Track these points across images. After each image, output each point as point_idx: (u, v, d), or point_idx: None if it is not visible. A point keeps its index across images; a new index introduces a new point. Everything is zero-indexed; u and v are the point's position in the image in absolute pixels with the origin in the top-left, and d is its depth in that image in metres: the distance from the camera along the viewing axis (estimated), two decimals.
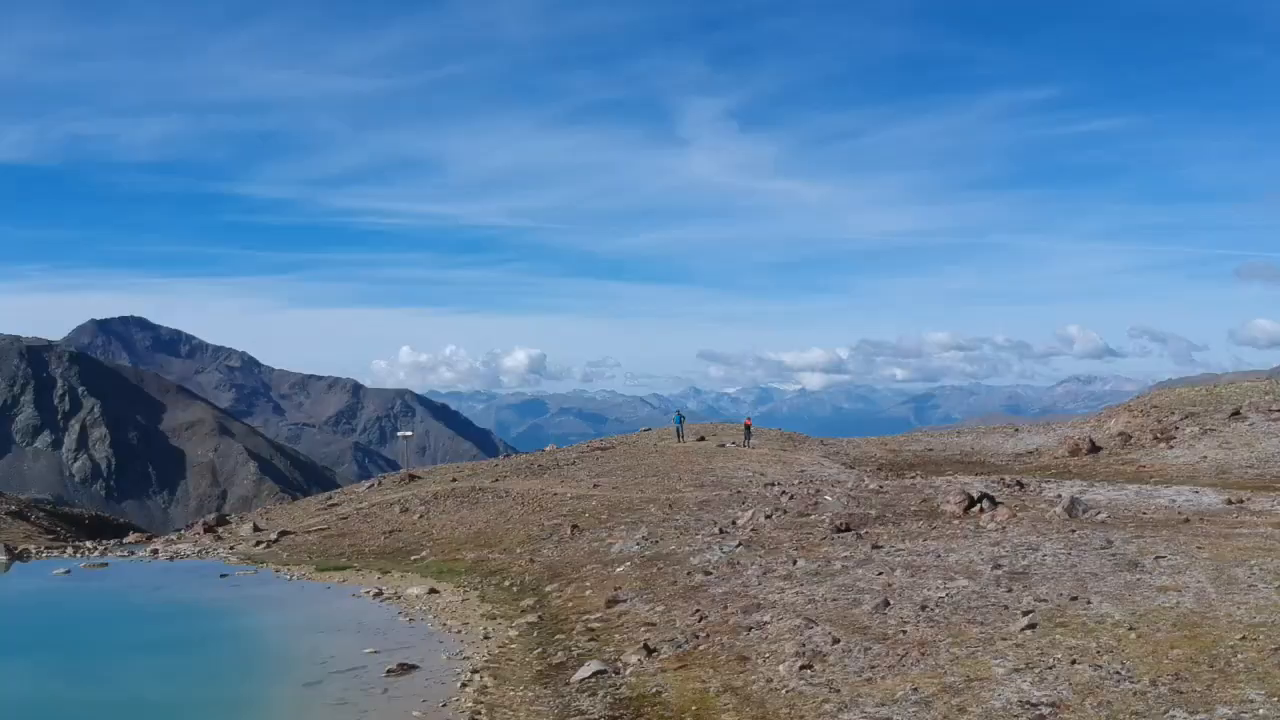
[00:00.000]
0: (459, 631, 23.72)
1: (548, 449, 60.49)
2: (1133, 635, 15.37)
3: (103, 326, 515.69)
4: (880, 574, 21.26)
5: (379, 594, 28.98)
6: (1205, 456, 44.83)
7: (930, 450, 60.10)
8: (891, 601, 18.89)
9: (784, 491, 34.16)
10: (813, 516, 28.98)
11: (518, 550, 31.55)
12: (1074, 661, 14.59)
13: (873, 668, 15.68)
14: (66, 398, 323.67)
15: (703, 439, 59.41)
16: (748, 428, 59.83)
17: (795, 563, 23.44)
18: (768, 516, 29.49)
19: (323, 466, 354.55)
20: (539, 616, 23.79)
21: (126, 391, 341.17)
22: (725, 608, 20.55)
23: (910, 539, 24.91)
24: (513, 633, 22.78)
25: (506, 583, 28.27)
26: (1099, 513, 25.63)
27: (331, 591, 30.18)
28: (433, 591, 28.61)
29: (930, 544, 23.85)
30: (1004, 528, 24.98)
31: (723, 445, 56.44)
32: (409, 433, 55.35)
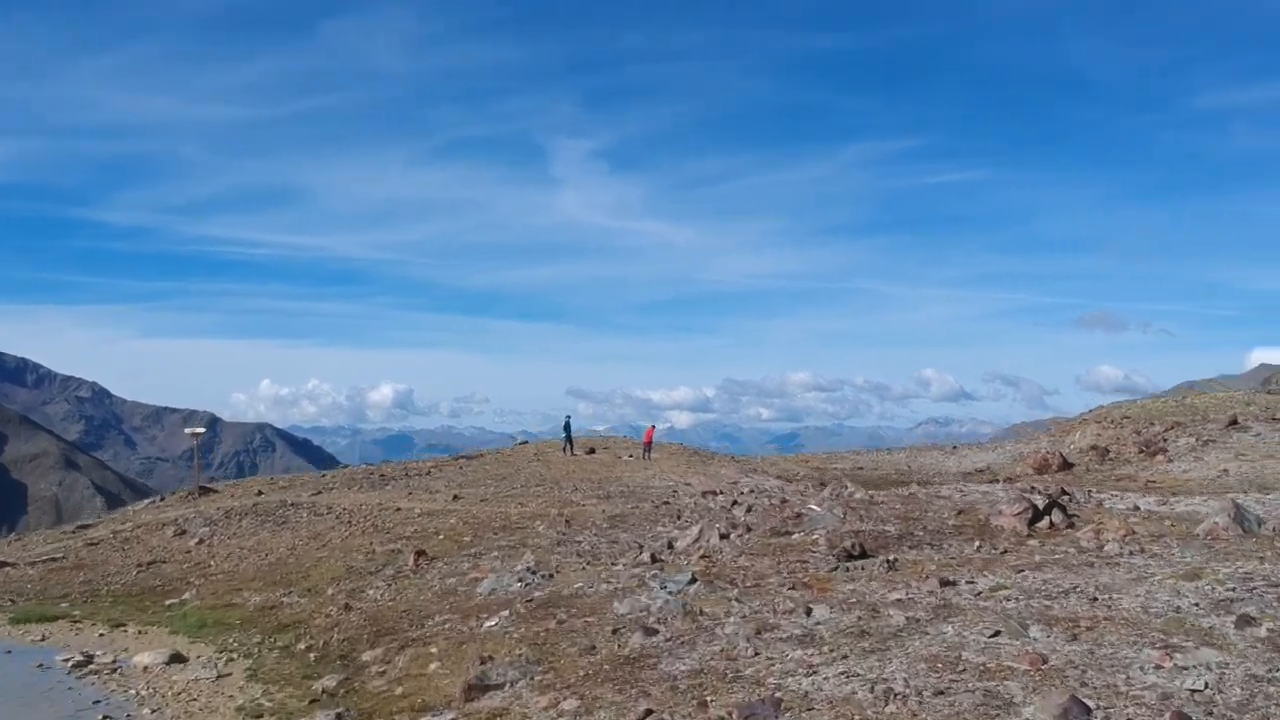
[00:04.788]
0: None
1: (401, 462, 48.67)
2: None
3: None
4: (997, 634, 10.87)
5: (85, 662, 17.45)
6: (1225, 470, 36.02)
7: (860, 469, 50.36)
8: (1095, 706, 8.48)
9: (735, 501, 23.57)
10: (797, 535, 18.49)
11: (329, 591, 20.20)
12: None
13: None
14: None
15: (593, 451, 48.46)
16: (649, 441, 48.46)
17: (808, 611, 12.89)
18: (724, 536, 18.90)
19: None
20: (338, 715, 12.75)
21: None
22: (705, 708, 9.91)
23: (987, 569, 14.66)
24: None
25: (301, 645, 17.07)
26: None
27: (11, 657, 18.39)
28: (176, 659, 17.25)
29: (1037, 577, 13.60)
30: (1143, 549, 14.90)
31: (619, 457, 45.72)
32: (200, 429, 42.41)
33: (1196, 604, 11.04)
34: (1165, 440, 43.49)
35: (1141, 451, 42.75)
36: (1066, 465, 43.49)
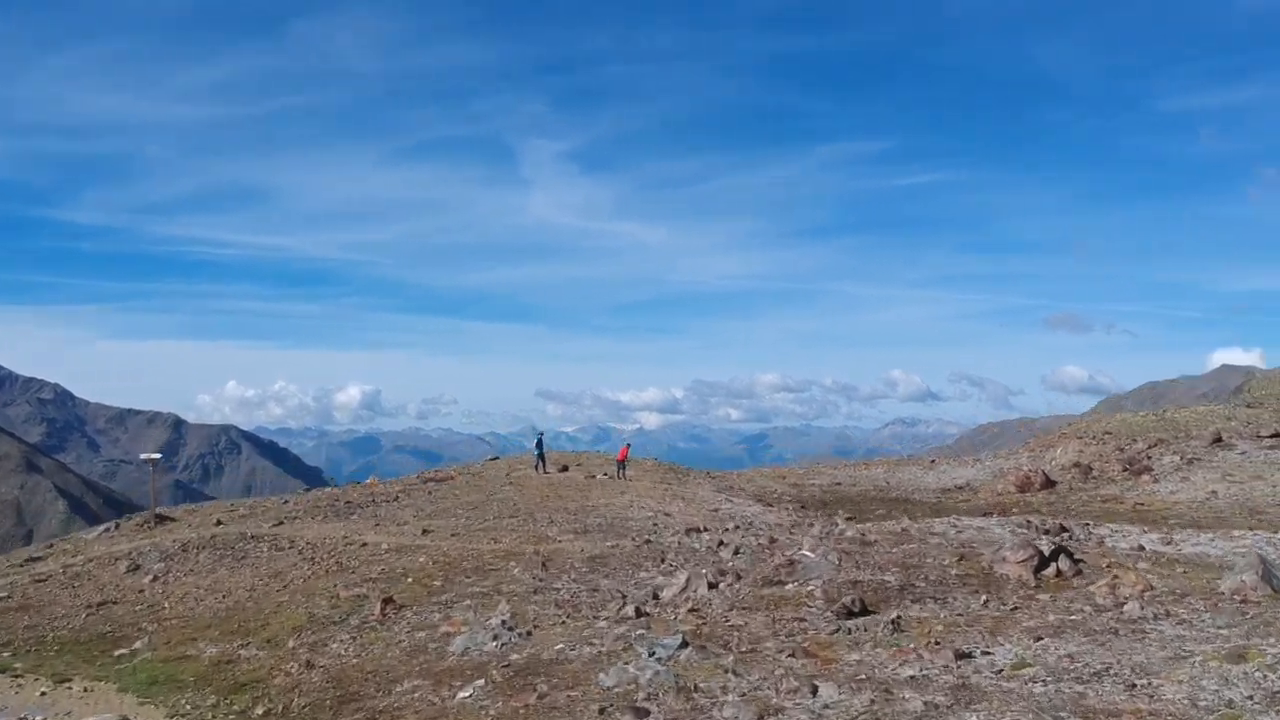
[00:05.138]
0: None
1: (368, 481, 47.13)
2: None
3: None
4: None
5: None
6: (1214, 491, 35.53)
7: (839, 485, 49.54)
8: None
9: (720, 541, 22.44)
10: (791, 586, 17.40)
11: (289, 643, 18.85)
12: None
13: None
14: None
15: (566, 469, 47.24)
16: (623, 458, 46.81)
17: (813, 690, 11.80)
18: (713, 585, 17.79)
19: (139, 506, 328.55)
20: None
21: None
22: None
23: (1000, 632, 13.65)
24: None
25: (259, 710, 15.75)
26: None
27: None
28: None
29: (1060, 649, 12.56)
30: (1168, 612, 13.92)
31: (593, 476, 44.53)
32: (156, 455, 40.39)
33: (1250, 696, 10.02)
34: (1149, 458, 42.90)
35: (1126, 470, 42.12)
36: (1049, 483, 42.73)
